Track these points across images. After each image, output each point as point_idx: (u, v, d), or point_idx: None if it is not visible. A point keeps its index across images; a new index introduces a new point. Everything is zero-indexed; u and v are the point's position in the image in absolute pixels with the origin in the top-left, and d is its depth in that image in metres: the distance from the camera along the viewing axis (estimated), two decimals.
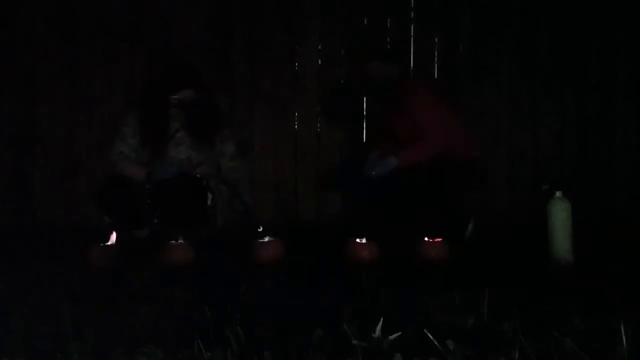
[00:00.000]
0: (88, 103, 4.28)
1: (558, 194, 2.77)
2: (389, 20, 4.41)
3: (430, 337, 1.41)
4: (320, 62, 4.41)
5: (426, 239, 2.82)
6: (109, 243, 2.75)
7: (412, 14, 4.41)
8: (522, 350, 1.38)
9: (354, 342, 1.41)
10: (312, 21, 4.39)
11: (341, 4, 4.39)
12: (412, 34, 4.38)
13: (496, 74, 4.40)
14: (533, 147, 4.43)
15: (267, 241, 2.77)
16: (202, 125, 3.37)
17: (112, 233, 2.79)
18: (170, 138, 3.35)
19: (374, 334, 1.44)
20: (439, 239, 2.80)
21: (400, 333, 1.45)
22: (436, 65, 4.40)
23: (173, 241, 2.75)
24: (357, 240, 2.79)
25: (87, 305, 1.86)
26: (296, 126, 4.41)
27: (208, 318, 1.67)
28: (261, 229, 2.86)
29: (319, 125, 4.42)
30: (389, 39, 4.42)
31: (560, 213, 2.73)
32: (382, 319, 1.47)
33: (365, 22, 4.42)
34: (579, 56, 4.42)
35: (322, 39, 4.41)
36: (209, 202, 3.33)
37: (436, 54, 4.41)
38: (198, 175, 3.33)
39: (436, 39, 4.42)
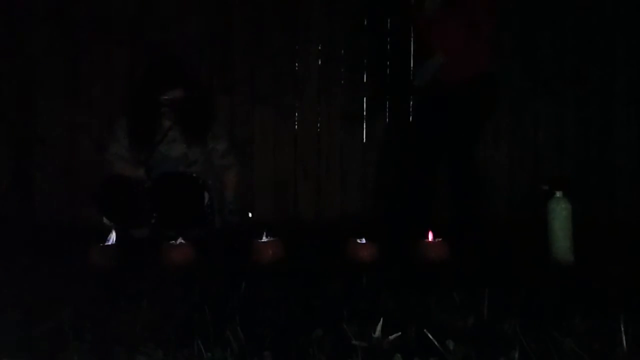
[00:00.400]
0: (88, 103, 4.29)
1: (558, 194, 2.77)
2: (389, 20, 4.42)
3: (430, 337, 1.41)
4: (320, 62, 4.41)
5: (426, 239, 2.82)
6: (109, 243, 2.75)
7: None
8: (522, 350, 1.38)
9: (354, 342, 1.41)
10: (312, 21, 4.39)
11: (341, 4, 4.39)
12: (412, 34, 4.39)
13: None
14: (533, 147, 4.43)
15: (267, 241, 2.77)
16: (193, 122, 3.38)
17: (112, 233, 2.79)
18: (163, 136, 3.36)
19: (374, 334, 1.44)
20: (439, 239, 2.80)
21: (400, 333, 1.45)
22: None
23: (173, 241, 2.75)
24: (357, 240, 2.79)
25: (87, 305, 1.86)
26: (296, 126, 4.42)
27: (208, 318, 1.67)
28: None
29: (319, 125, 4.42)
30: (389, 39, 4.42)
31: (560, 213, 2.73)
32: (382, 319, 1.46)
33: (365, 22, 4.42)
34: (579, 56, 4.42)
35: (322, 39, 4.41)
36: (206, 202, 3.33)
37: None
38: (194, 175, 3.33)
39: None
